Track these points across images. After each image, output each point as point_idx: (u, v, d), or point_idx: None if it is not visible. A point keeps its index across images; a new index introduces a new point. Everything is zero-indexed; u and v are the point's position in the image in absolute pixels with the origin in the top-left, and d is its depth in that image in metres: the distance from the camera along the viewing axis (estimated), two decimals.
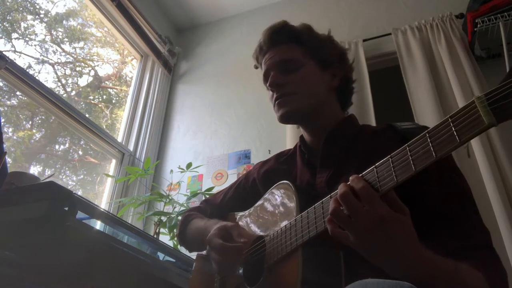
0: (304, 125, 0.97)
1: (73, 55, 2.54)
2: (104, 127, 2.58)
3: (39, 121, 2.30)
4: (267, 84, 0.95)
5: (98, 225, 1.29)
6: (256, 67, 1.06)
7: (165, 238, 1.91)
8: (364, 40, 2.33)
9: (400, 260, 0.56)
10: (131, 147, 2.66)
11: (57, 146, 2.41)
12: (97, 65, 2.74)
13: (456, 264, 0.61)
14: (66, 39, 2.49)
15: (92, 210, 1.09)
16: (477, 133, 0.46)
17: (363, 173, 0.61)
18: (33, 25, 2.29)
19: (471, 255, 0.66)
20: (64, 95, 2.37)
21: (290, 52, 0.94)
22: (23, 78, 1.94)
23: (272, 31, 0.98)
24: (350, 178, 0.61)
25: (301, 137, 1.00)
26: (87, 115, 2.36)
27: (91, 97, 2.67)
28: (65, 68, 2.48)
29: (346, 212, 0.58)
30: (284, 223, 0.79)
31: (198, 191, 2.15)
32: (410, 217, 0.57)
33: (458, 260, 0.62)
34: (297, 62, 0.93)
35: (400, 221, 0.56)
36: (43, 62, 2.27)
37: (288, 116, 0.92)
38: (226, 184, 2.27)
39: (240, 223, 1.00)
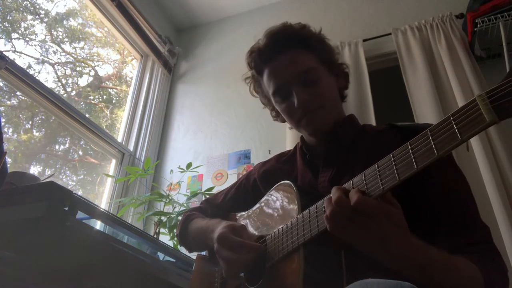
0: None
1: (73, 55, 2.54)
2: (104, 127, 2.58)
3: (39, 121, 2.30)
4: (295, 103, 0.86)
5: (98, 225, 1.28)
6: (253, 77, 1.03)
7: (165, 238, 1.91)
8: (364, 40, 2.33)
9: (394, 251, 0.58)
10: (131, 147, 2.66)
11: (57, 146, 2.41)
12: (97, 65, 2.74)
13: (451, 256, 0.62)
14: (66, 39, 2.49)
15: (92, 210, 1.09)
16: (478, 130, 0.47)
17: (364, 171, 0.62)
18: (33, 25, 2.29)
19: (470, 250, 0.67)
20: (64, 95, 2.37)
21: (304, 61, 0.88)
22: (23, 78, 1.94)
23: (278, 35, 0.90)
24: (333, 190, 0.62)
25: (302, 138, 1.00)
26: (87, 115, 2.36)
27: (91, 97, 2.67)
28: (65, 68, 2.48)
29: (344, 214, 0.59)
30: (286, 222, 0.78)
31: (198, 191, 2.14)
32: (401, 211, 0.59)
33: (458, 254, 0.63)
34: (315, 72, 0.88)
35: (392, 215, 0.57)
36: (43, 62, 2.27)
37: (320, 129, 0.89)
38: (226, 184, 2.27)
39: (241, 223, 0.99)
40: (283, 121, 1.02)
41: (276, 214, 0.85)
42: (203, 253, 1.10)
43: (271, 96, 0.95)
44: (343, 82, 0.97)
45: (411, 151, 0.55)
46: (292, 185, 0.82)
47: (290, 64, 0.88)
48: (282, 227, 0.79)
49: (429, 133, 0.53)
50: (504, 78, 0.45)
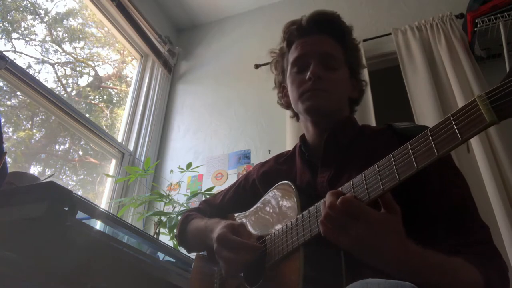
0: (316, 122, 0.94)
1: (73, 55, 2.54)
2: (104, 127, 2.58)
3: (39, 121, 2.30)
4: (309, 73, 0.89)
5: (98, 225, 1.28)
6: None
7: (165, 238, 1.91)
8: (364, 40, 2.32)
9: (389, 257, 0.58)
10: (131, 147, 2.66)
11: (57, 146, 2.41)
12: (97, 65, 2.74)
13: (448, 258, 0.62)
14: (66, 39, 2.49)
15: (92, 210, 1.09)
16: (478, 130, 0.47)
17: (364, 171, 0.62)
18: (33, 25, 2.28)
19: (470, 251, 0.67)
20: (65, 95, 2.37)
21: (335, 49, 0.94)
22: (23, 78, 1.94)
23: (323, 17, 0.96)
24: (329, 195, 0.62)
25: (301, 137, 1.00)
26: (87, 115, 2.36)
27: (91, 97, 2.67)
28: (65, 68, 2.48)
29: (337, 219, 0.59)
30: (285, 223, 0.78)
31: (198, 191, 2.14)
32: (400, 216, 0.59)
33: (456, 255, 0.63)
34: (338, 62, 0.93)
35: (386, 221, 0.58)
36: (43, 62, 2.27)
37: (315, 109, 0.90)
38: (226, 184, 2.26)
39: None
40: (287, 105, 1.04)
41: (275, 214, 0.85)
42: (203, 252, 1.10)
43: (289, 65, 0.97)
44: (356, 95, 0.99)
45: (411, 151, 0.55)
46: (291, 185, 0.82)
47: (320, 42, 0.94)
48: (282, 227, 0.79)
49: (429, 133, 0.53)
50: (503, 79, 0.45)
